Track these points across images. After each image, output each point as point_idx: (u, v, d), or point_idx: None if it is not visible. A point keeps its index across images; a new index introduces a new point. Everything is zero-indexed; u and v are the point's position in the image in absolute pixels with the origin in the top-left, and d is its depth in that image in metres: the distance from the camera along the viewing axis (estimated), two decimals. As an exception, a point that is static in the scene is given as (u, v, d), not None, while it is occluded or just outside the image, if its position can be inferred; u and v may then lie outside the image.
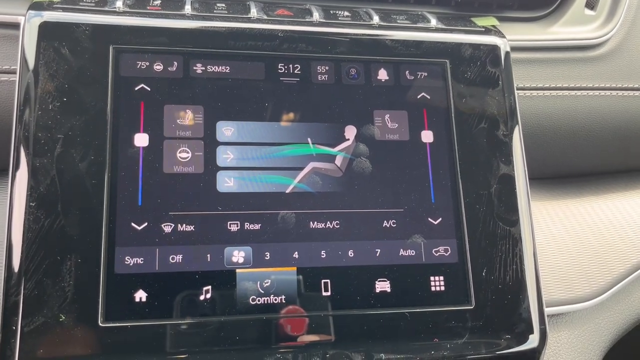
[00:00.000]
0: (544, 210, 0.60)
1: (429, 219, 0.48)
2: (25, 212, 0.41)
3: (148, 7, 0.49)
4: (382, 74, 0.50)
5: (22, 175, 0.42)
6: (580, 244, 0.58)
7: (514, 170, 0.50)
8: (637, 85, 0.62)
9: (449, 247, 0.47)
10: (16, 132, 0.43)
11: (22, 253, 0.41)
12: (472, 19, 0.58)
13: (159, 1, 0.50)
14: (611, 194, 0.63)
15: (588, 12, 0.62)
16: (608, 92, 0.61)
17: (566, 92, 0.59)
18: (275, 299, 0.43)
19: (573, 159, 0.63)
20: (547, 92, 0.59)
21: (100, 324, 0.40)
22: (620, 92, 0.61)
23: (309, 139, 0.47)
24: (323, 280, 0.45)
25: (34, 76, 0.44)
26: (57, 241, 0.41)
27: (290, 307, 0.44)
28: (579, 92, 0.60)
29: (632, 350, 0.67)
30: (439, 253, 0.47)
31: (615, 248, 0.58)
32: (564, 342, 0.54)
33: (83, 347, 0.40)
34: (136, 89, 0.45)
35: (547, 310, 0.50)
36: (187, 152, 0.45)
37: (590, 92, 0.60)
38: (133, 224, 0.43)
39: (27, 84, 0.44)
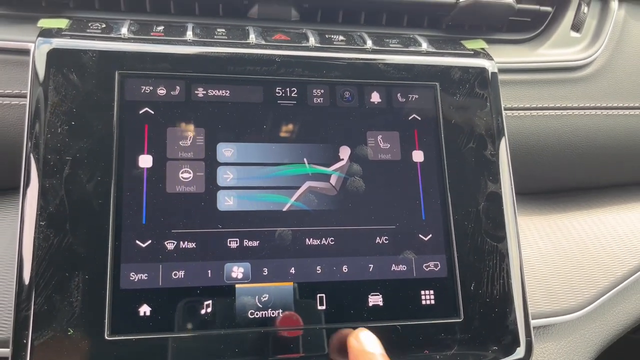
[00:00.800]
0: (531, 225, 0.62)
1: (420, 235, 0.50)
2: (35, 231, 0.43)
3: (152, 34, 0.51)
4: (375, 97, 0.53)
5: (33, 195, 0.44)
6: (566, 257, 0.60)
7: (501, 189, 0.52)
8: (620, 105, 0.64)
9: (438, 262, 0.50)
10: (27, 154, 0.45)
11: (32, 270, 0.43)
12: (462, 41, 0.60)
13: (162, 27, 0.53)
14: (596, 209, 0.66)
15: (574, 34, 0.65)
16: (593, 112, 0.63)
17: (552, 112, 0.62)
18: (273, 313, 0.46)
19: (559, 176, 0.66)
20: (534, 112, 0.61)
21: (106, 338, 0.42)
22: (604, 111, 0.64)
23: (305, 159, 0.50)
24: (318, 295, 0.47)
25: (43, 100, 0.46)
26: (65, 258, 0.43)
27: (287, 319, 0.46)
28: (564, 112, 0.62)
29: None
30: (429, 268, 0.49)
31: (599, 261, 0.60)
32: (551, 353, 0.56)
33: (91, 359, 0.42)
34: (140, 112, 0.48)
35: (534, 322, 0.52)
36: (189, 173, 0.47)
37: (576, 112, 0.62)
38: (137, 242, 0.45)
39: (36, 108, 0.46)
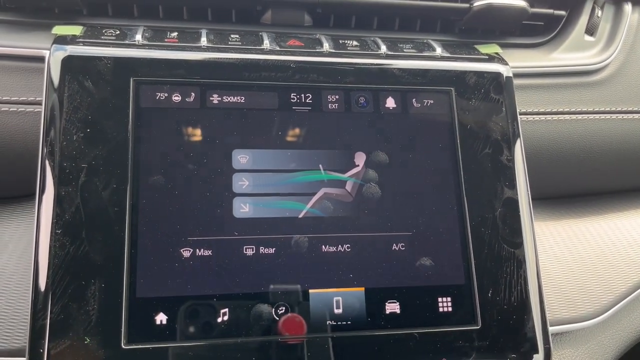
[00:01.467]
0: (547, 231, 0.61)
1: (436, 242, 0.49)
2: (51, 239, 0.43)
3: (166, 40, 0.51)
4: (390, 102, 0.52)
5: (48, 203, 0.44)
6: (583, 263, 0.59)
7: (517, 194, 0.52)
8: (636, 109, 0.64)
9: (455, 269, 0.49)
10: (42, 161, 0.45)
11: (48, 278, 0.42)
12: (476, 46, 0.60)
13: (176, 33, 0.53)
14: (612, 214, 0.65)
15: (588, 38, 0.64)
16: (608, 116, 0.63)
17: (567, 116, 0.61)
18: (290, 321, 0.45)
19: (575, 180, 0.65)
20: (548, 117, 0.61)
21: (123, 346, 0.42)
22: (619, 115, 0.63)
23: (320, 166, 0.49)
24: (336, 302, 0.46)
25: (58, 107, 0.46)
26: (81, 266, 0.43)
27: (303, 329, 0.45)
28: (579, 116, 0.62)
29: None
30: (446, 275, 0.49)
31: (617, 267, 0.59)
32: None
33: (107, 368, 0.42)
34: (156, 119, 0.47)
35: (551, 329, 0.52)
36: (205, 180, 0.47)
37: (591, 116, 0.62)
38: (153, 249, 0.45)
39: (52, 115, 0.46)
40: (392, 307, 0.47)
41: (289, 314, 0.45)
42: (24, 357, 0.41)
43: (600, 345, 0.57)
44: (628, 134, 0.63)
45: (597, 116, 0.62)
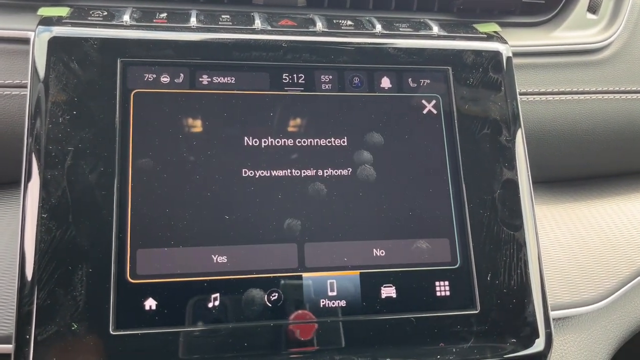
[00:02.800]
0: (548, 214, 0.60)
1: (433, 224, 0.48)
2: (38, 223, 0.42)
3: (154, 21, 0.50)
4: (385, 82, 0.51)
5: (34, 187, 0.43)
6: (586, 247, 0.58)
7: (517, 175, 0.51)
8: (639, 88, 0.62)
9: (453, 252, 0.48)
10: (28, 145, 0.44)
11: (34, 263, 0.41)
12: (474, 25, 0.58)
13: (165, 14, 0.51)
14: (615, 197, 0.64)
15: (590, 16, 0.62)
16: (611, 96, 0.61)
17: (569, 97, 0.60)
18: (282, 305, 0.44)
19: (577, 162, 0.63)
20: (549, 97, 0.59)
21: (111, 332, 0.41)
22: (622, 95, 0.61)
23: (313, 147, 0.48)
24: (330, 287, 0.45)
25: (44, 90, 0.45)
26: (68, 251, 0.42)
27: (298, 313, 0.44)
28: (581, 96, 0.60)
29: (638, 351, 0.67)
30: (443, 258, 0.48)
31: (620, 251, 0.58)
32: (571, 345, 0.54)
33: (95, 355, 0.41)
34: (144, 100, 0.46)
35: (553, 314, 0.51)
36: (194, 160, 0.46)
37: (593, 96, 0.60)
38: (142, 233, 0.43)
39: (37, 98, 0.45)
40: (388, 292, 0.46)
41: (282, 298, 0.44)
42: (11, 344, 0.41)
43: (604, 331, 0.56)
44: (631, 114, 0.62)
45: (599, 96, 0.60)
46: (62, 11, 0.50)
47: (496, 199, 0.50)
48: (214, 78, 0.48)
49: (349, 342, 0.44)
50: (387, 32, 0.53)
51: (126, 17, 0.49)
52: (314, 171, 0.47)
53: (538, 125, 0.59)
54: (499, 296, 0.47)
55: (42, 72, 0.45)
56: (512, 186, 0.50)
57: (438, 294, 0.47)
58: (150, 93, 0.47)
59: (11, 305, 0.45)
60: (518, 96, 0.53)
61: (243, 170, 0.46)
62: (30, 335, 0.40)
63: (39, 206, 0.42)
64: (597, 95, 0.61)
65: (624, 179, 0.66)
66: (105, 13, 0.50)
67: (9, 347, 0.41)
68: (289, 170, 0.47)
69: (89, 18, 0.49)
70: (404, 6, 0.59)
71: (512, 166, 0.51)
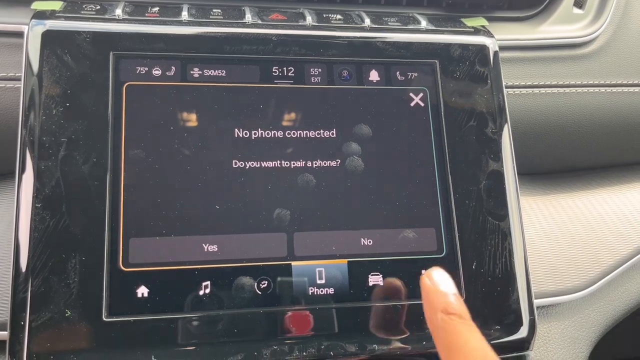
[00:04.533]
0: (534, 206, 0.61)
1: (419, 214, 0.49)
2: (32, 213, 0.43)
3: (146, 14, 0.51)
4: (374, 75, 0.52)
5: (28, 178, 0.44)
6: (571, 237, 0.59)
7: (503, 167, 0.52)
8: (625, 82, 0.63)
9: (439, 241, 0.49)
10: (22, 137, 0.44)
11: (29, 252, 0.42)
12: (462, 19, 0.59)
13: (157, 8, 0.52)
14: (601, 189, 0.65)
15: (576, 10, 0.63)
16: (596, 89, 0.62)
17: (555, 90, 0.61)
18: (271, 293, 0.45)
19: (563, 155, 0.65)
20: (536, 90, 0.60)
21: (104, 319, 0.42)
22: (608, 89, 0.62)
23: (301, 139, 0.49)
24: (318, 275, 0.46)
25: (38, 82, 0.46)
26: (62, 240, 0.43)
27: (287, 300, 0.45)
28: (567, 90, 0.61)
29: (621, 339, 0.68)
30: (429, 247, 0.49)
31: (604, 241, 0.59)
32: (554, 332, 0.55)
33: (89, 341, 0.42)
34: (136, 93, 0.47)
35: (537, 302, 0.52)
36: (186, 152, 0.47)
37: (579, 89, 0.61)
38: (134, 222, 0.44)
39: (31, 90, 0.45)
40: (375, 280, 0.47)
41: (272, 285, 0.45)
42: (6, 330, 0.41)
43: (588, 319, 0.57)
44: (617, 108, 0.63)
45: (585, 89, 0.62)
46: (56, 5, 0.50)
47: (482, 190, 0.51)
48: (205, 71, 0.49)
49: (337, 328, 0.45)
50: (376, 26, 0.54)
51: (118, 11, 0.50)
52: (303, 162, 0.48)
53: (524, 117, 0.60)
54: (484, 284, 0.49)
55: (35, 65, 0.46)
56: (498, 177, 0.51)
57: (424, 282, 0.48)
58: (142, 86, 0.47)
59: (6, 293, 0.46)
60: (504, 89, 0.54)
61: (233, 161, 0.47)
62: (24, 322, 0.41)
63: (33, 196, 0.43)
64: (583, 88, 0.62)
65: (609, 171, 0.67)
66: (98, 7, 0.51)
67: (4, 334, 0.42)
68: (278, 162, 0.48)
69: (82, 12, 0.50)
70: (393, 1, 0.60)
71: (498, 158, 0.52)
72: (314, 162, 0.49)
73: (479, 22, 0.59)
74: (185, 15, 0.51)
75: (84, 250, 0.43)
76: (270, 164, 0.48)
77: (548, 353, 0.54)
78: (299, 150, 0.49)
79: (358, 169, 0.49)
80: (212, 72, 0.49)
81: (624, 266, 0.58)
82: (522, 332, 0.48)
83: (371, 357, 0.45)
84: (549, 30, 0.62)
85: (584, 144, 0.64)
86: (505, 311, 0.49)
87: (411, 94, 0.52)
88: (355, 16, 0.56)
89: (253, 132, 0.48)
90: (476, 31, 0.57)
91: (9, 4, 0.52)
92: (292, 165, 0.48)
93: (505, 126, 0.53)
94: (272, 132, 0.49)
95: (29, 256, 0.42)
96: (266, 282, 0.45)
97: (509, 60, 0.59)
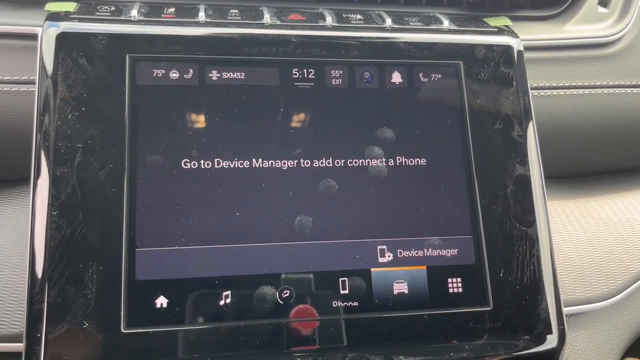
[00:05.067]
0: (560, 210, 0.60)
1: (446, 221, 0.48)
2: (47, 221, 0.42)
3: (163, 16, 0.49)
4: (396, 77, 0.50)
5: (44, 184, 0.42)
6: (598, 242, 0.57)
7: (529, 171, 0.50)
8: (651, 83, 0.61)
9: (465, 249, 0.47)
10: (37, 142, 0.43)
11: (45, 261, 0.41)
12: (485, 19, 0.58)
13: (174, 9, 0.51)
14: (628, 192, 0.63)
15: (601, 9, 0.62)
16: (622, 90, 0.60)
17: (580, 91, 0.59)
18: (294, 303, 0.44)
19: (589, 158, 0.63)
20: (561, 91, 0.59)
21: (122, 330, 0.41)
22: (635, 90, 0.61)
23: (323, 144, 0.48)
24: (341, 284, 0.45)
25: (52, 86, 0.44)
26: (78, 249, 0.42)
27: (310, 311, 0.44)
28: (593, 90, 0.59)
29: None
30: (456, 255, 0.47)
31: (632, 246, 0.57)
32: (583, 341, 0.54)
33: (107, 353, 0.40)
34: (153, 96, 0.46)
35: (565, 310, 0.50)
36: (204, 157, 0.45)
37: (605, 90, 0.60)
38: (153, 231, 0.43)
39: (46, 94, 0.44)
40: (400, 288, 0.46)
41: (294, 296, 0.44)
42: (22, 342, 0.40)
43: (616, 327, 0.56)
44: (643, 109, 0.61)
45: (611, 90, 0.60)
46: (70, 6, 0.49)
47: (508, 195, 0.49)
48: (223, 73, 0.48)
49: (361, 340, 0.44)
50: (398, 26, 0.53)
51: (134, 12, 0.49)
52: (325, 168, 0.47)
53: (549, 120, 0.58)
54: (512, 293, 0.47)
55: (50, 68, 0.45)
56: (525, 182, 0.50)
57: (450, 290, 0.46)
58: (159, 89, 0.46)
59: (22, 303, 0.45)
60: (529, 91, 0.52)
61: (254, 166, 0.46)
62: (41, 334, 0.40)
63: (48, 203, 0.42)
64: (608, 89, 0.60)
65: (635, 174, 0.66)
66: (113, 8, 0.50)
67: (20, 346, 0.41)
68: (299, 167, 0.47)
69: (97, 13, 0.48)
70: (413, 0, 0.59)
71: (524, 161, 0.50)
72: (336, 168, 0.47)
73: (502, 21, 0.57)
74: (202, 16, 0.50)
75: (102, 259, 0.42)
76: (291, 169, 0.47)
77: (577, 363, 0.53)
78: (320, 155, 0.47)
79: (381, 174, 0.48)
80: (231, 75, 0.48)
81: (652, 273, 0.57)
82: (552, 342, 0.47)
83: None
84: (573, 29, 0.60)
85: (610, 146, 0.62)
86: (533, 320, 0.47)
87: (434, 96, 0.51)
88: (376, 16, 0.54)
89: (273, 136, 0.47)
90: (500, 31, 0.55)
91: (22, 6, 0.51)
92: (314, 171, 0.47)
93: (531, 129, 0.51)
94: (293, 136, 0.47)
95: (44, 266, 0.41)
96: (288, 291, 0.44)
97: (533, 60, 0.58)
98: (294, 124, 0.48)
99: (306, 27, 0.51)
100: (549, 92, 0.58)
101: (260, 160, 0.46)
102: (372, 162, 0.48)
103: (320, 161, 0.47)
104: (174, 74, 0.47)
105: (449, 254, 0.47)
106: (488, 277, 0.47)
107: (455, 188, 0.48)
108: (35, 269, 0.41)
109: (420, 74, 0.51)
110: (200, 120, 0.46)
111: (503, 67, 0.53)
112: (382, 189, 0.47)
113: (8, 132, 0.49)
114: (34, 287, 0.41)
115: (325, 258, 0.45)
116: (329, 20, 0.52)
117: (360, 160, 0.48)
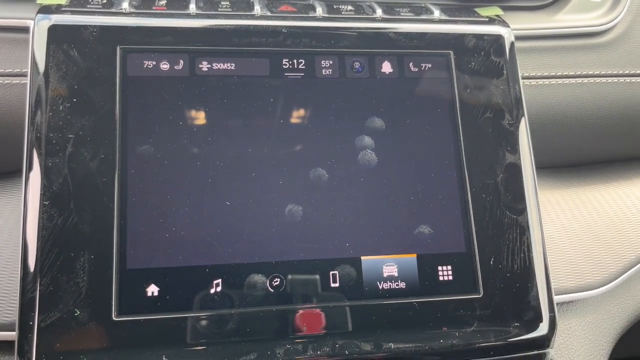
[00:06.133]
0: (552, 200, 0.60)
1: (436, 209, 0.48)
2: (40, 211, 0.42)
3: (154, 7, 0.50)
4: (386, 67, 0.51)
5: (36, 175, 0.43)
6: (590, 232, 0.57)
7: (520, 159, 0.50)
8: (642, 72, 0.61)
9: (456, 237, 0.48)
10: (29, 134, 0.44)
11: (37, 251, 0.42)
12: (476, 9, 0.58)
13: (165, 1, 0.51)
14: (620, 181, 0.63)
15: (593, -2, 0.62)
16: (615, 79, 0.60)
17: (572, 80, 0.59)
18: (285, 291, 0.44)
19: (581, 147, 0.63)
20: (552, 81, 0.59)
21: (114, 318, 0.41)
22: (627, 79, 0.61)
23: (314, 134, 0.48)
24: (331, 272, 0.45)
25: (44, 78, 0.45)
26: (70, 238, 0.42)
27: (299, 299, 0.44)
28: (585, 80, 0.59)
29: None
30: (446, 242, 0.47)
31: (625, 235, 0.58)
32: (575, 329, 0.54)
33: (98, 340, 0.41)
34: (143, 88, 0.46)
35: (557, 298, 0.50)
36: (195, 148, 0.46)
37: (597, 79, 0.60)
38: (143, 219, 0.43)
39: (38, 86, 0.45)
40: (390, 276, 0.46)
41: (285, 284, 0.44)
42: (15, 331, 0.41)
43: (609, 315, 0.56)
44: (635, 98, 0.61)
45: (603, 79, 0.60)
46: (61, -1, 0.50)
47: (499, 183, 0.49)
48: (213, 64, 0.48)
49: (351, 327, 0.44)
50: (388, 16, 0.53)
51: (125, 4, 0.49)
52: (315, 157, 0.47)
53: (541, 109, 0.58)
54: (502, 280, 0.47)
55: (42, 61, 0.45)
56: (515, 170, 0.50)
57: (441, 278, 0.47)
58: (150, 80, 0.46)
59: (15, 292, 0.45)
60: (520, 80, 0.53)
61: (244, 156, 0.46)
62: (33, 322, 0.40)
63: (40, 194, 0.42)
64: (600, 78, 0.60)
65: (628, 164, 0.66)
66: (105, 0, 0.50)
67: (13, 334, 0.41)
68: (289, 157, 0.47)
69: (88, 5, 0.49)
70: (405, -9, 0.59)
71: (515, 150, 0.51)
72: (326, 157, 0.47)
73: (493, 11, 0.57)
74: (193, 7, 0.50)
75: (93, 248, 0.42)
76: (282, 159, 0.47)
77: (569, 350, 0.53)
78: (310, 144, 0.47)
79: (371, 163, 0.48)
80: (221, 66, 0.48)
81: (645, 261, 0.57)
82: (542, 329, 0.47)
83: (386, 355, 0.44)
84: (565, 19, 0.60)
85: (603, 136, 0.62)
86: (524, 308, 0.47)
87: (425, 86, 0.51)
88: (367, 7, 0.54)
89: (263, 126, 0.47)
90: (491, 21, 0.55)
91: (14, -1, 0.51)
92: (304, 160, 0.47)
93: (522, 118, 0.52)
94: (283, 126, 0.48)
95: (37, 255, 0.41)
96: (278, 279, 0.44)
97: (524, 50, 0.58)
98: (284, 114, 0.48)
99: (297, 18, 0.51)
100: (540, 81, 0.58)
101: (250, 149, 0.46)
102: (363, 152, 0.48)
103: (310, 151, 0.47)
104: (165, 65, 0.47)
105: (439, 242, 0.47)
106: (478, 264, 0.47)
107: (445, 177, 0.49)
108: (28, 259, 0.41)
109: (411, 64, 0.51)
110: (190, 111, 0.46)
111: (494, 56, 0.53)
112: (372, 178, 0.48)
113: (0, 124, 0.50)
114: (27, 276, 0.41)
115: (315, 246, 0.45)
116: (320, 11, 0.52)
117: (350, 150, 0.48)
